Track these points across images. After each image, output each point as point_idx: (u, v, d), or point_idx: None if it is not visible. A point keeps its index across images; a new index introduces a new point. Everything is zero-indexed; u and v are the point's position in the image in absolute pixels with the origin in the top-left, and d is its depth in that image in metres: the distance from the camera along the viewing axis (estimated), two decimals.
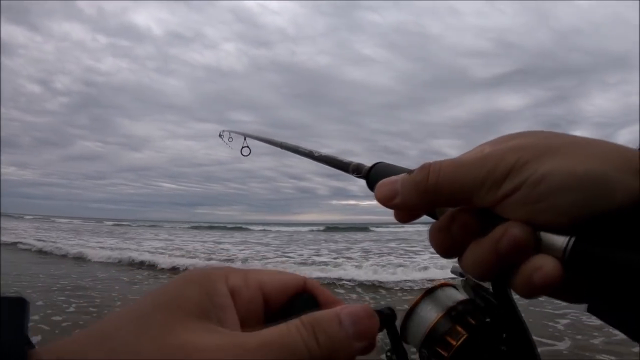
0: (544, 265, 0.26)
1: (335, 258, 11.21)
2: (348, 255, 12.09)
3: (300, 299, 0.30)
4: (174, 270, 8.83)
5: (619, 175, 0.25)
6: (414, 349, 0.37)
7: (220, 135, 1.43)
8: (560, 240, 0.26)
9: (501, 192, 0.27)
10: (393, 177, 0.32)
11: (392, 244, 16.62)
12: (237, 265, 8.82)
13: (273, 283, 0.30)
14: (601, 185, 0.25)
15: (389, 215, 0.37)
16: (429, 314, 0.35)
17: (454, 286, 0.38)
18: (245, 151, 1.21)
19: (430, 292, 0.37)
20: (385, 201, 0.32)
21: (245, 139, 1.20)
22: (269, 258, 11.46)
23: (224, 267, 0.29)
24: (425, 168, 0.30)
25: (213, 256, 11.59)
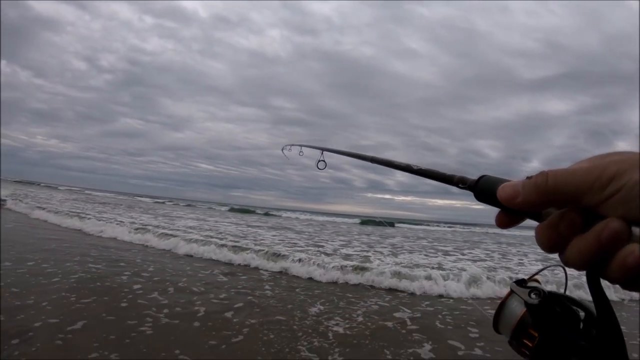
0: (636, 250, 0.32)
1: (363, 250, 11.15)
2: (379, 250, 12.02)
3: None
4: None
5: None
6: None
7: (282, 151, 1.42)
8: None
9: (605, 194, 0.34)
10: (515, 181, 0.40)
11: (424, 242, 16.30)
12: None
13: None
14: None
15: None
16: (517, 309, 0.46)
17: (538, 282, 0.48)
18: (321, 165, 1.19)
19: (528, 281, 0.47)
20: (509, 200, 0.40)
21: (322, 153, 1.18)
22: (300, 246, 11.59)
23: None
24: (544, 174, 0.38)
25: (244, 240, 11.86)
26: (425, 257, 11.23)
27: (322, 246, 12.09)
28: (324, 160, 1.19)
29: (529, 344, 0.44)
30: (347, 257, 9.72)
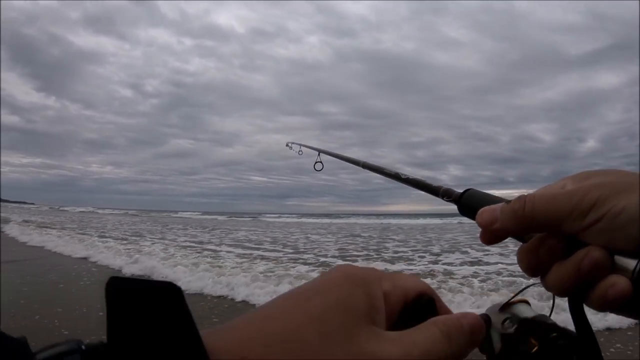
0: (618, 282, 0.31)
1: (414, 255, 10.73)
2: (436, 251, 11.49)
3: (422, 301, 0.34)
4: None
5: None
6: None
7: (288, 146, 1.46)
8: (631, 263, 0.31)
9: (586, 222, 0.33)
10: (493, 206, 0.39)
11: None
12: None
13: (412, 289, 0.34)
14: None
15: None
16: (497, 341, 0.42)
17: (527, 303, 0.45)
18: (318, 166, 1.22)
19: (507, 305, 0.44)
20: (487, 225, 0.39)
21: (319, 154, 1.20)
22: (356, 253, 11.51)
23: (374, 269, 0.32)
24: (522, 199, 0.36)
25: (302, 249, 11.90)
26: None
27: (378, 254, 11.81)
28: (321, 162, 1.21)
29: None
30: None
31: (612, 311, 0.33)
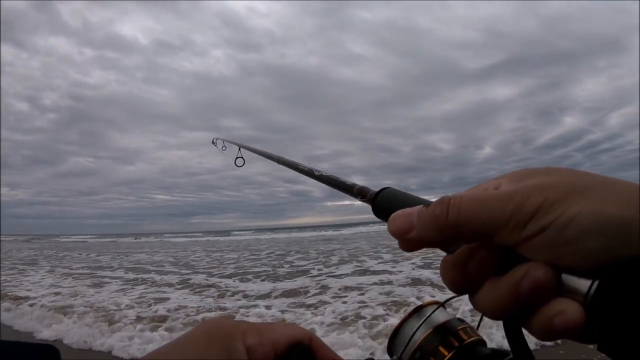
0: (567, 309, 0.25)
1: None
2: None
3: (296, 351, 0.33)
4: None
5: None
6: None
7: (213, 143, 1.44)
8: (583, 284, 0.25)
9: (525, 233, 0.26)
10: (408, 210, 0.31)
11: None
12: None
13: (284, 340, 0.32)
14: (627, 231, 0.24)
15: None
16: (418, 332, 0.37)
17: (443, 305, 0.40)
18: (239, 162, 1.22)
19: (418, 309, 0.39)
20: (400, 234, 0.31)
21: (239, 149, 1.21)
22: (255, 270, 11.28)
23: (240, 323, 0.32)
24: (445, 202, 0.29)
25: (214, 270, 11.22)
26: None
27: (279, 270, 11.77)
28: (242, 157, 1.22)
29: None
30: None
31: (556, 340, 0.27)
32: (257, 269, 11.28)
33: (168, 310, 6.14)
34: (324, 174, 0.60)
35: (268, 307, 6.26)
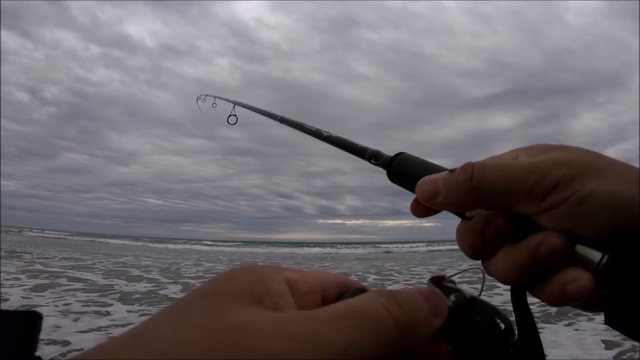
0: (579, 278, 0.27)
1: None
2: None
3: (352, 291, 0.28)
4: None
5: None
6: None
7: (198, 100, 1.33)
8: (595, 255, 0.27)
9: (545, 204, 0.28)
10: (435, 175, 0.33)
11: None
12: None
13: (330, 280, 0.29)
14: (636, 209, 0.27)
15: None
16: None
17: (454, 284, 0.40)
18: (232, 120, 1.13)
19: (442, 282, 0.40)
20: (427, 199, 0.33)
21: (234, 106, 1.12)
22: None
23: (277, 266, 0.28)
24: (469, 168, 0.30)
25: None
26: None
27: None
28: (235, 115, 1.13)
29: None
30: None
31: (565, 305, 0.29)
32: None
33: None
34: (333, 135, 0.58)
35: None
